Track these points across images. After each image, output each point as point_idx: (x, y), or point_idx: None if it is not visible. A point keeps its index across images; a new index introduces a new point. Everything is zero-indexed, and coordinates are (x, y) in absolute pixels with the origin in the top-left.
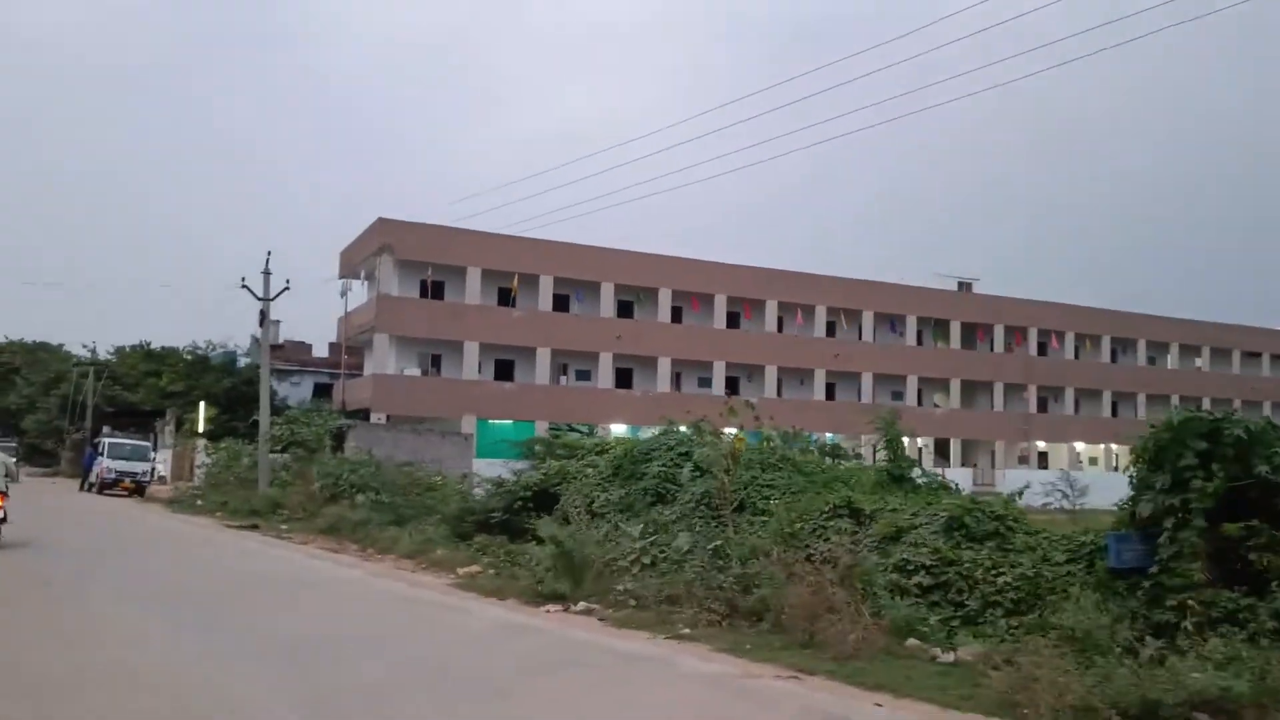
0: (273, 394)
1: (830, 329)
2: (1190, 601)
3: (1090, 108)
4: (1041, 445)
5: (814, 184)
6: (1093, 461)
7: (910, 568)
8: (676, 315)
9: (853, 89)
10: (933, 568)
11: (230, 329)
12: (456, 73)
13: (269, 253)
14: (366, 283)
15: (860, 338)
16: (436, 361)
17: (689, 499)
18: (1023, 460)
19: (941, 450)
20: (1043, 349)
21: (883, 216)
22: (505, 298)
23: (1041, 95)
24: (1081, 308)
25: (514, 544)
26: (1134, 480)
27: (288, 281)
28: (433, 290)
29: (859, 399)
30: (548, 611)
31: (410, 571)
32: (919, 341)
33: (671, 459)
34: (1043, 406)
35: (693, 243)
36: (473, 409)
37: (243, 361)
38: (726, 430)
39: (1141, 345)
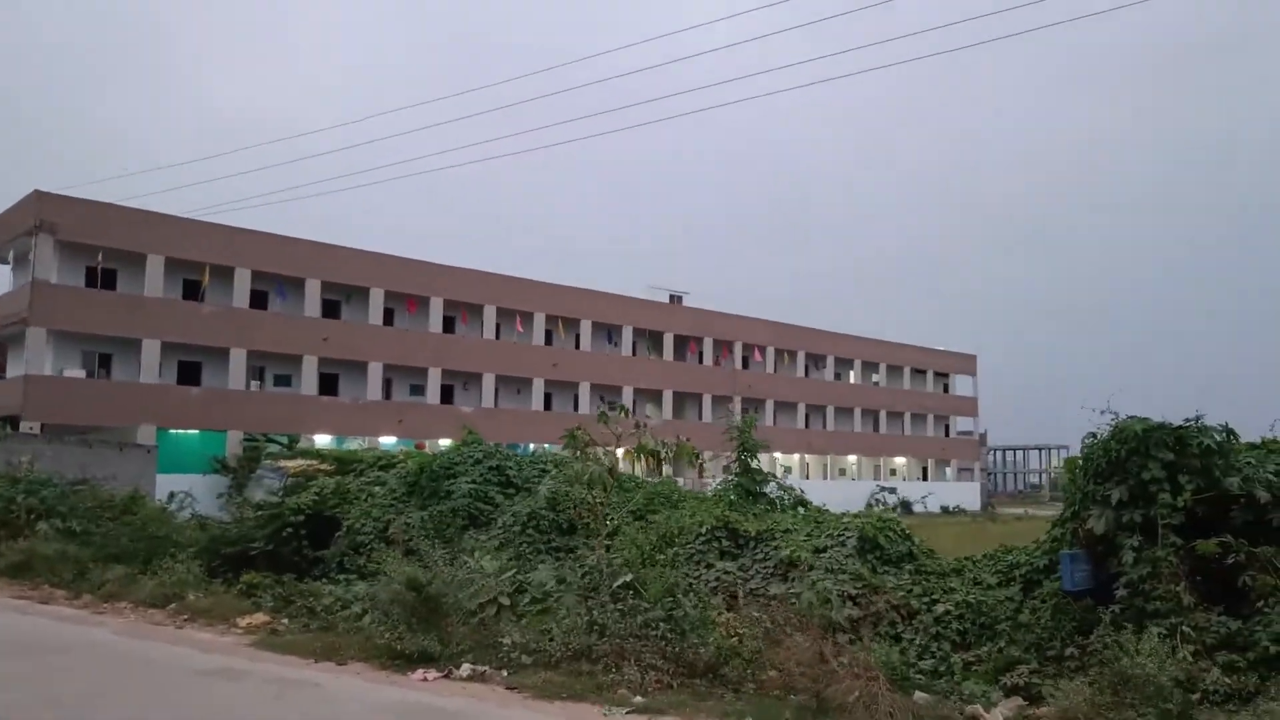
0: None
1: (549, 337)
2: (1184, 627)
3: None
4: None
5: (537, 189)
6: (787, 470)
7: (833, 598)
8: (389, 318)
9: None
10: (858, 597)
11: None
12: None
13: None
14: (13, 267)
15: (578, 347)
16: (106, 361)
17: (511, 522)
18: (726, 470)
19: None
20: (746, 362)
21: (602, 226)
22: (193, 291)
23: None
24: (782, 324)
25: (291, 583)
26: (1073, 493)
27: None
28: (103, 279)
29: (575, 409)
30: (425, 679)
31: (173, 627)
32: (634, 352)
33: (482, 475)
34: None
35: (406, 244)
36: (152, 417)
37: None
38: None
39: (830, 361)
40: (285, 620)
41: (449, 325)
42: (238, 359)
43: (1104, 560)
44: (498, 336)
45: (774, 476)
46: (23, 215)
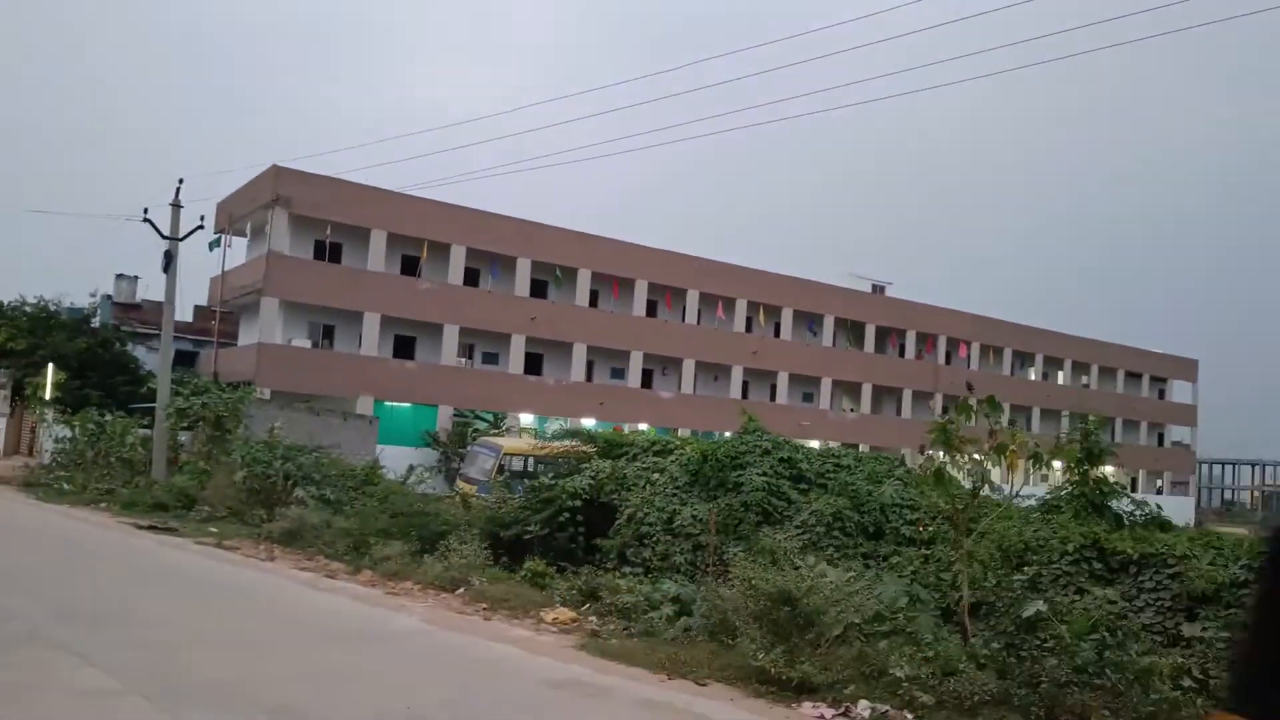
0: (133, 359)
1: (749, 324)
2: None
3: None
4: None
5: (715, 174)
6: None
7: None
8: (594, 299)
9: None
10: None
11: (66, 285)
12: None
13: (180, 181)
14: (249, 240)
15: (777, 335)
16: (329, 333)
17: (813, 521)
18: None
19: None
20: (948, 358)
21: (788, 213)
22: (411, 266)
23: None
24: (987, 318)
25: (589, 575)
26: None
27: (202, 219)
28: (330, 253)
29: (772, 399)
30: (822, 717)
31: (479, 618)
32: (834, 343)
33: (772, 467)
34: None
35: (605, 226)
36: (370, 388)
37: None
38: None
39: (1039, 360)
40: (594, 618)
41: (652, 309)
42: (450, 335)
43: None
44: (699, 322)
45: (1124, 489)
46: (261, 189)
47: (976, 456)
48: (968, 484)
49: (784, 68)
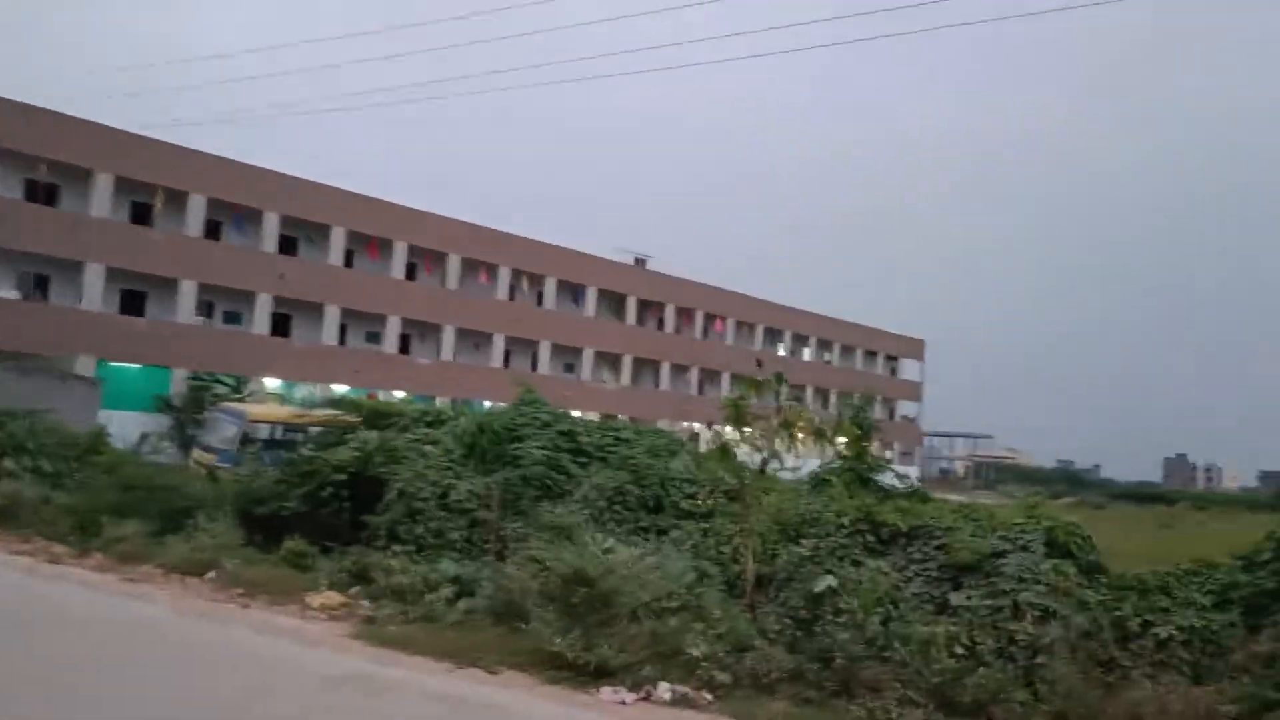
0: None
1: (512, 292)
2: None
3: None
4: (697, 427)
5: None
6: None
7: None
8: (349, 260)
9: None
10: (1057, 613)
11: None
12: None
13: None
14: None
15: (540, 304)
16: (43, 284)
17: (594, 495)
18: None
19: None
20: (705, 332)
21: (556, 183)
22: (143, 215)
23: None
24: (743, 295)
25: (360, 555)
26: None
27: None
28: (46, 195)
29: (534, 368)
30: (623, 702)
31: (236, 605)
32: (596, 314)
33: (552, 440)
34: (700, 389)
35: (360, 183)
36: (92, 347)
37: None
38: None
39: (788, 336)
40: (366, 602)
41: (411, 272)
42: (187, 291)
43: None
44: (460, 287)
45: (886, 463)
46: None
47: (765, 433)
48: (756, 458)
49: (543, 31)
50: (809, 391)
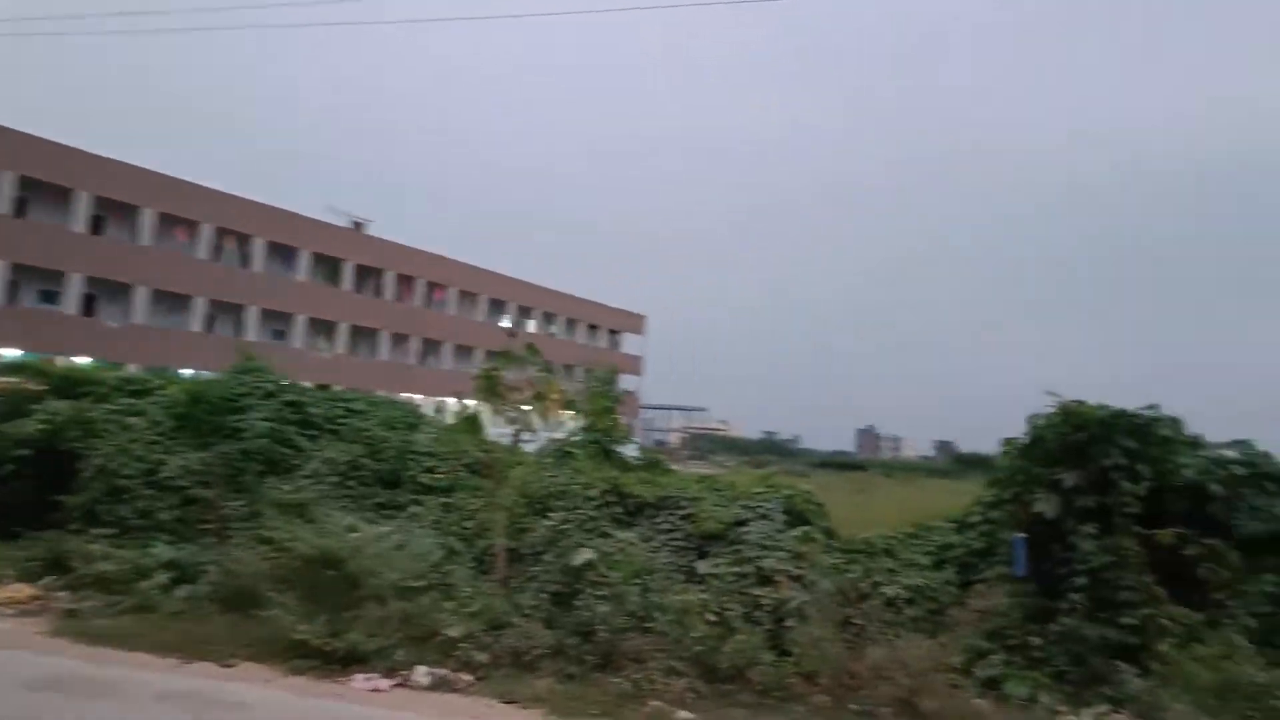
0: None
1: (216, 252)
2: (1164, 621)
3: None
4: (419, 399)
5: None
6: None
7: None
8: (20, 208)
9: None
10: (800, 578)
11: None
12: None
13: None
14: None
15: (246, 266)
16: None
17: (326, 470)
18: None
19: None
20: (428, 300)
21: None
22: None
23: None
24: (468, 265)
25: (55, 540)
26: (1013, 475)
27: None
28: None
29: (239, 334)
30: (377, 689)
31: None
32: (309, 279)
33: (277, 411)
34: (422, 359)
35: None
36: None
37: None
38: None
39: (513, 308)
40: (64, 594)
41: (98, 225)
42: None
43: (1044, 545)
44: (156, 243)
45: (630, 435)
46: None
47: (520, 405)
48: (509, 431)
49: None
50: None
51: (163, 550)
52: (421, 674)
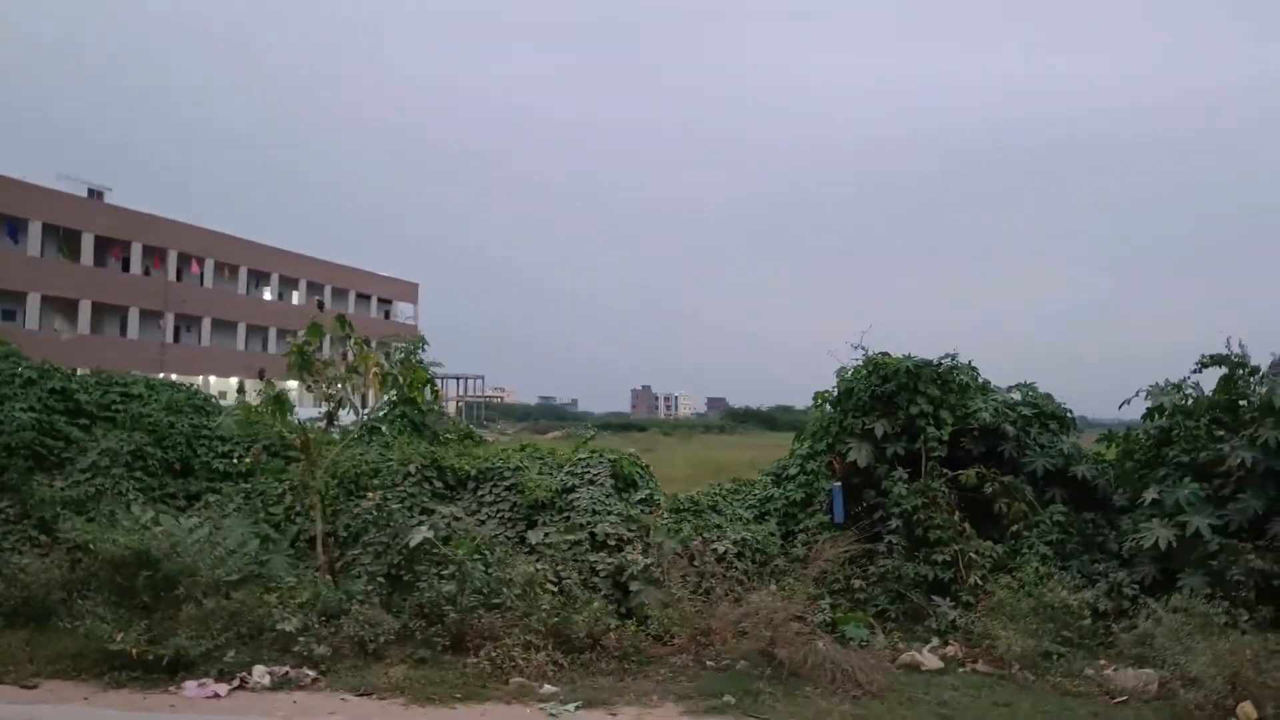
0: None
1: None
2: (972, 555)
3: None
4: (175, 378)
5: None
6: (223, 395)
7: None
8: None
9: None
10: (632, 540)
11: None
12: None
13: None
14: None
15: None
16: None
17: (106, 463)
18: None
19: None
20: (180, 274)
21: None
22: None
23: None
24: (224, 234)
25: None
26: (824, 427)
27: None
28: None
29: None
30: (215, 696)
31: None
32: (42, 254)
33: (41, 400)
34: (176, 336)
35: None
36: None
37: None
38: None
39: (275, 279)
40: None
41: None
42: None
43: (858, 492)
44: None
45: (438, 407)
46: None
47: (334, 380)
48: (321, 408)
49: None
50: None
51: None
52: (260, 674)
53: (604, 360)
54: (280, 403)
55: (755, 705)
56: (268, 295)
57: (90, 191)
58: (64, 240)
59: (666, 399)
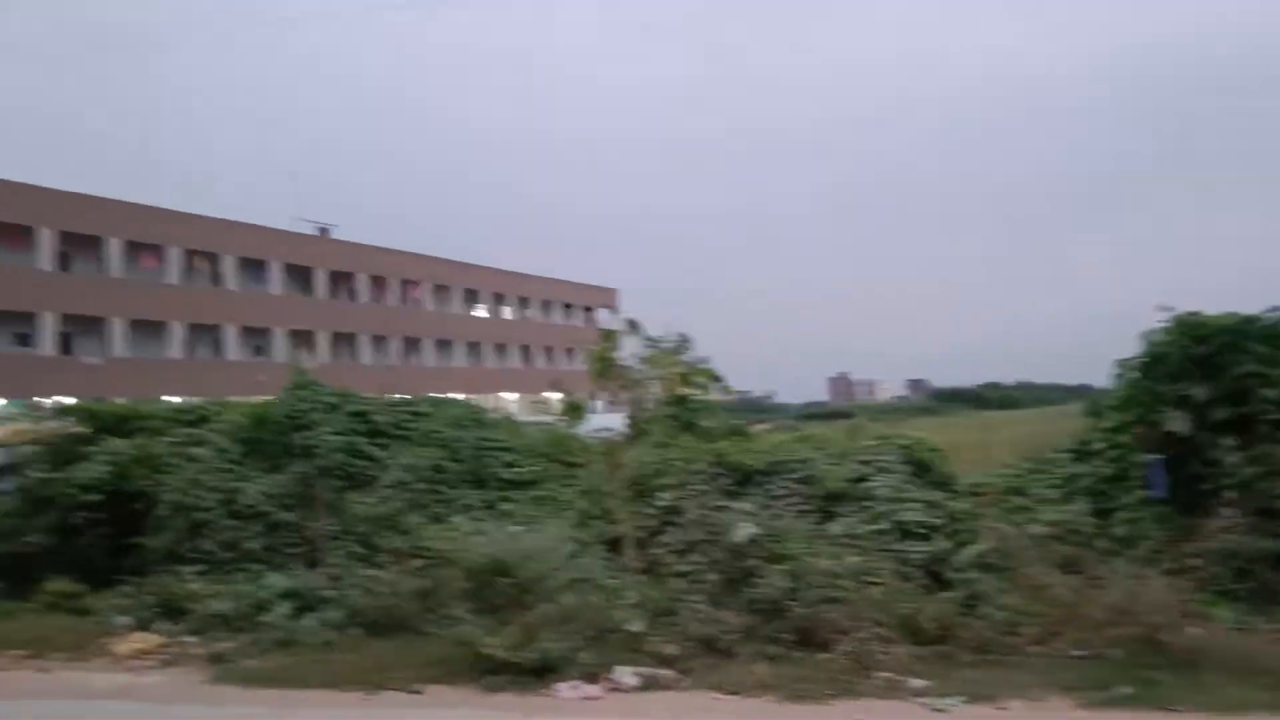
0: None
1: (187, 275)
2: None
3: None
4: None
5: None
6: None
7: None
8: None
9: None
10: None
11: None
12: None
13: None
14: None
15: (219, 285)
16: None
17: (410, 478)
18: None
19: None
20: (402, 300)
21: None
22: None
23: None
24: (437, 258)
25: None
26: (1135, 395)
27: None
28: None
29: (219, 354)
30: (590, 698)
31: (31, 670)
32: (282, 291)
33: (344, 423)
34: (403, 359)
35: None
36: None
37: None
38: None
39: (487, 296)
40: (190, 638)
41: (65, 262)
42: None
43: (1179, 464)
44: (126, 274)
45: (715, 405)
46: None
47: (633, 385)
48: (616, 413)
49: None
50: (514, 349)
51: (277, 580)
52: (627, 675)
53: (795, 350)
54: (577, 410)
55: (1157, 695)
56: (481, 312)
57: (320, 230)
58: (300, 277)
59: (865, 384)
